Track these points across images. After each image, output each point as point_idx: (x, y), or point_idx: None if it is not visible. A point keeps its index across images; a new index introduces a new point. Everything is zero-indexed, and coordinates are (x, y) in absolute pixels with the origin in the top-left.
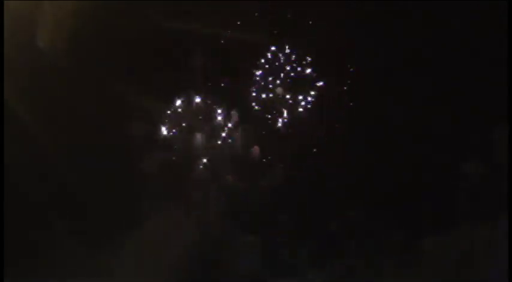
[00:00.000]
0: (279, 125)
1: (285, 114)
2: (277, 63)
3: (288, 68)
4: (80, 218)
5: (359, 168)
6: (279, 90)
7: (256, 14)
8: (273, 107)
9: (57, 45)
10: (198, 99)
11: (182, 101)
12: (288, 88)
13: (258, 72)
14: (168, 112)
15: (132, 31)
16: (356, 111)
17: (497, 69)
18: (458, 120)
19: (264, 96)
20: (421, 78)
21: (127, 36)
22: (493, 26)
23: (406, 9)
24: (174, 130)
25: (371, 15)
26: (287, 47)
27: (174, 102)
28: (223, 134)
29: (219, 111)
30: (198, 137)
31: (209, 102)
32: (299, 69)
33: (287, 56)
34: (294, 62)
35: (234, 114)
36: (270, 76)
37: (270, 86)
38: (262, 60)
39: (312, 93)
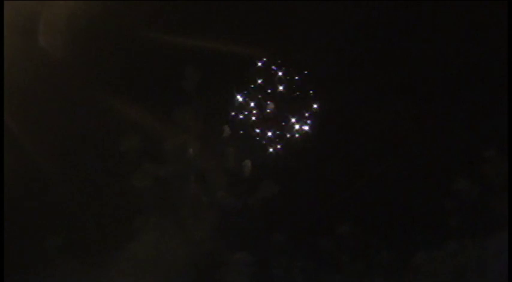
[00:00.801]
0: (272, 140)
1: (278, 130)
2: (270, 78)
3: (282, 83)
4: (73, 232)
5: (352, 183)
6: (271, 105)
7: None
8: (265, 121)
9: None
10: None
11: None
12: (281, 102)
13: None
14: (161, 126)
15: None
16: (350, 126)
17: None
18: (452, 138)
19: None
20: (419, 88)
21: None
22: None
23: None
24: (166, 144)
25: (371, 18)
26: (280, 61)
27: (167, 115)
28: (216, 149)
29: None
30: (191, 151)
31: (201, 116)
32: (293, 83)
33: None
34: (288, 76)
35: (226, 129)
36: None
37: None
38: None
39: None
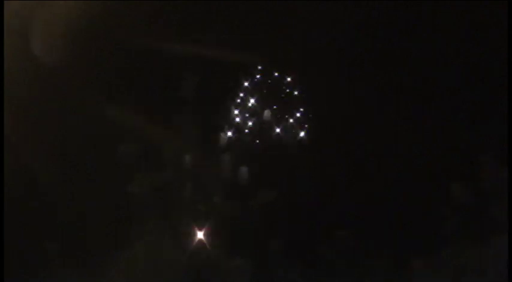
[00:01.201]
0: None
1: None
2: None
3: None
4: (69, 238)
5: (349, 189)
6: (267, 113)
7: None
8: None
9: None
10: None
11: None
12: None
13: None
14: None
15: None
16: (346, 132)
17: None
18: (448, 141)
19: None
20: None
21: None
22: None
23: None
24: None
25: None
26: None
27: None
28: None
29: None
30: (187, 158)
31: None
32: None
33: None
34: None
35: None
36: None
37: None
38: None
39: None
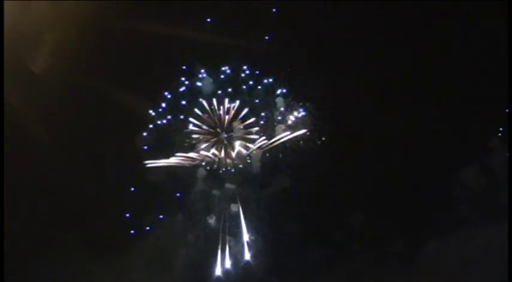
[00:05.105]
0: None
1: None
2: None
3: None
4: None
5: (361, 175)
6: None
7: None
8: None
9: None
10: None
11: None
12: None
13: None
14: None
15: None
16: (357, 119)
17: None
18: (457, 129)
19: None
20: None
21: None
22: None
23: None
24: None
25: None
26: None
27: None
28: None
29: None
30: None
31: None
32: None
33: None
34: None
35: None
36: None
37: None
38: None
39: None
